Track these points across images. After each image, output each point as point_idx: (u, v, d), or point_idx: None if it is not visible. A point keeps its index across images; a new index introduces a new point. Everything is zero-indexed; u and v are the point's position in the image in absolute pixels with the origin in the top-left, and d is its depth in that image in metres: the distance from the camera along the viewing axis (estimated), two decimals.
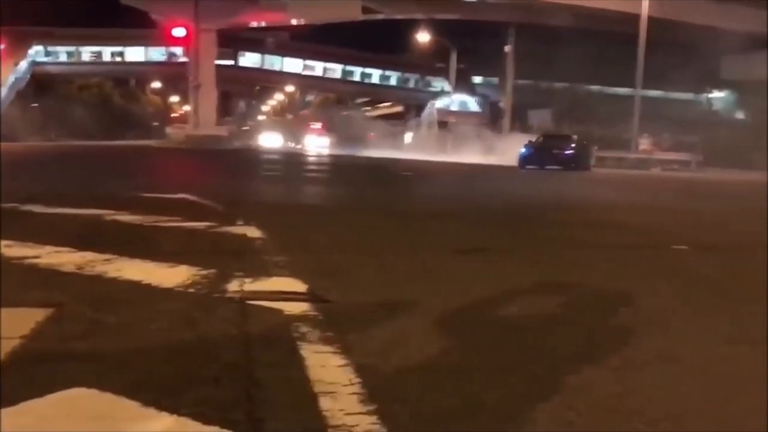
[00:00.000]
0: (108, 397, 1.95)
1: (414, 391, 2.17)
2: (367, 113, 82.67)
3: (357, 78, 66.63)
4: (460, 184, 16.51)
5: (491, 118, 51.52)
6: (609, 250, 5.67)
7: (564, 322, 3.18)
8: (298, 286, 3.57)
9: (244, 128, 77.60)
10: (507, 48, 44.09)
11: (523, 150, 26.99)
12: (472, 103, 59.85)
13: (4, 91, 47.00)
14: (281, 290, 3.44)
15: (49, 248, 4.26)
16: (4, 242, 4.38)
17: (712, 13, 41.40)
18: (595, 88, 50.36)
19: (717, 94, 51.00)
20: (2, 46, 40.97)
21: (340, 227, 6.33)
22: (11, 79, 49.19)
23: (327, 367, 2.33)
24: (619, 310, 3.42)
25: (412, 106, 66.91)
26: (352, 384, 2.18)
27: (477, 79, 62.93)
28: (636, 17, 30.85)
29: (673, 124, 37.81)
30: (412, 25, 50.48)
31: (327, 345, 2.58)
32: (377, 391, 2.12)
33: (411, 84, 65.86)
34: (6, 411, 1.83)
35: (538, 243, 5.91)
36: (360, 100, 78.28)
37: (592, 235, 6.67)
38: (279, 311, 3.04)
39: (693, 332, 3.07)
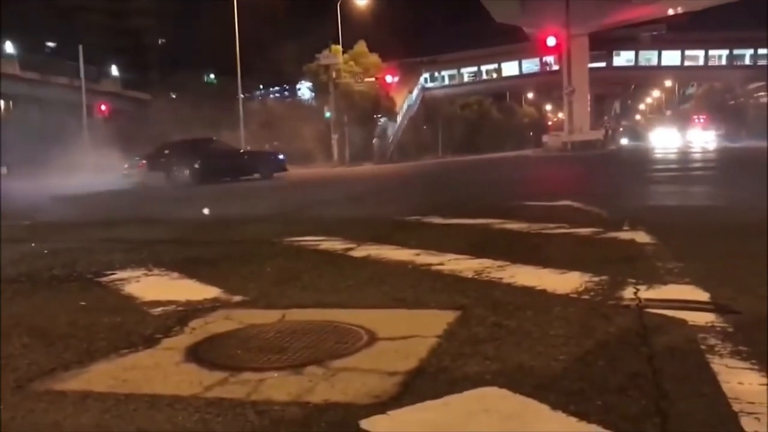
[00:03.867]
0: (519, 398, 2.06)
1: None
2: (762, 99, 73.30)
3: (747, 61, 59.57)
4: None
5: None
6: None
7: None
8: (699, 294, 3.31)
9: (620, 129, 75.15)
10: None
11: None
12: None
13: (400, 118, 53.22)
14: (680, 299, 3.23)
15: (450, 255, 4.68)
16: (413, 251, 4.95)
17: None
18: None
19: None
20: (397, 78, 46.47)
21: (735, 231, 5.68)
22: (405, 106, 55.51)
23: (744, 385, 2.11)
24: None
25: None
26: None
27: None
28: None
29: None
30: None
31: (741, 360, 2.34)
32: None
33: None
34: (432, 402, 2.06)
35: None
36: (753, 86, 69.75)
37: None
38: (681, 321, 2.86)
39: None
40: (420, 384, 2.24)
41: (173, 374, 2.48)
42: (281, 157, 26.32)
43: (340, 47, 43.46)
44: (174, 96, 47.62)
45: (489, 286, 3.73)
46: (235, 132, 36.68)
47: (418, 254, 4.83)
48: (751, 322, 2.81)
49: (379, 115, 47.41)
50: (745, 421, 1.85)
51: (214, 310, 3.45)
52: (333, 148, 42.06)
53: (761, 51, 58.02)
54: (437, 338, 2.74)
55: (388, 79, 44.92)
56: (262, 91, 58.67)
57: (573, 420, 1.89)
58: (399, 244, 5.34)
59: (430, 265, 4.41)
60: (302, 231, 6.63)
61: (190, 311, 3.43)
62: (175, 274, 4.54)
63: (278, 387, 2.28)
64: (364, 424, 1.94)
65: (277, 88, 61.08)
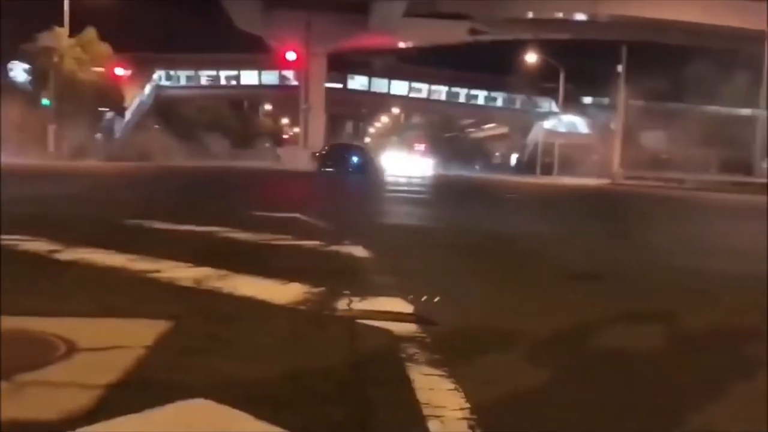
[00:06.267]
0: (225, 409, 2.01)
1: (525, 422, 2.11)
2: (472, 135, 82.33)
3: (462, 99, 66.43)
4: (565, 204, 16.09)
5: (602, 140, 50.09)
6: None
7: None
8: (405, 306, 3.57)
9: None
10: (619, 68, 42.76)
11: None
12: (581, 124, 58.51)
13: (128, 114, 50.21)
14: (388, 310, 3.45)
15: (169, 263, 4.48)
16: (129, 256, 4.66)
17: None
18: (712, 108, 47.85)
19: None
20: (128, 72, 43.85)
21: (444, 249, 6.30)
22: (136, 102, 52.49)
23: (434, 390, 2.31)
24: None
25: (518, 127, 66.17)
26: (462, 409, 2.15)
27: (587, 100, 61.51)
28: (761, 34, 29.19)
29: None
30: (519, 45, 50.10)
31: (434, 368, 2.56)
32: (487, 418, 2.09)
33: (517, 105, 65.07)
34: (130, 417, 1.93)
35: None
36: (465, 122, 78.16)
37: None
38: (387, 331, 3.05)
39: None
40: (121, 398, 2.08)
41: None
42: None
43: (65, 30, 39.77)
44: None
45: (208, 296, 3.64)
46: None
47: (133, 260, 4.55)
48: (446, 333, 3.11)
49: (105, 109, 44.20)
50: (431, 424, 2.02)
51: None
52: (50, 140, 38.22)
53: (473, 92, 65.26)
54: (145, 349, 2.59)
55: (119, 71, 42.23)
56: None
57: (277, 429, 1.90)
58: (114, 248, 4.98)
59: (146, 271, 4.18)
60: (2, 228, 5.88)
61: None
62: None
63: None
64: None
65: None
